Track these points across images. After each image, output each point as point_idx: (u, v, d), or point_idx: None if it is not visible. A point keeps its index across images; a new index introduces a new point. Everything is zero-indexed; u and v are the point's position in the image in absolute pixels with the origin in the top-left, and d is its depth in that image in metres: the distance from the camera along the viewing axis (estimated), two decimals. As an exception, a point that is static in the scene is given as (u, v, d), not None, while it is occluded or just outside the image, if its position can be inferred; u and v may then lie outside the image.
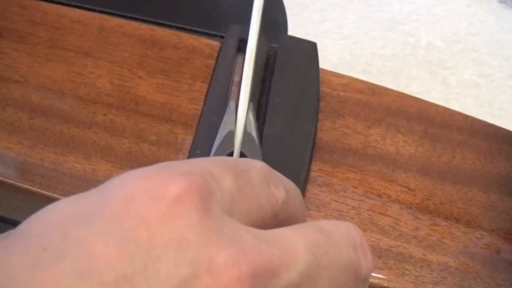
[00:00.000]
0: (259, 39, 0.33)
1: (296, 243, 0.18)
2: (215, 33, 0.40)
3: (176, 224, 0.17)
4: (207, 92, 0.37)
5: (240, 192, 0.19)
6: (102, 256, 0.16)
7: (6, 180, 0.34)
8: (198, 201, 0.17)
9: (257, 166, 0.20)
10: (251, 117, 0.31)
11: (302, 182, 0.33)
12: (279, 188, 0.21)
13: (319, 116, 0.36)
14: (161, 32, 0.39)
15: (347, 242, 0.20)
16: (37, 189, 0.33)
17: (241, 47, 0.38)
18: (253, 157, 0.30)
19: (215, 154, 0.30)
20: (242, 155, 0.30)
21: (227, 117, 0.31)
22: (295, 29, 0.47)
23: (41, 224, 0.18)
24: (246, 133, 0.31)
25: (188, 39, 0.39)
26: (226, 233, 0.17)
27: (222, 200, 0.18)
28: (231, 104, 0.32)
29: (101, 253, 0.16)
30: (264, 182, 0.20)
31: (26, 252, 0.17)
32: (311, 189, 0.34)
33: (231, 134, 0.30)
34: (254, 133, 0.31)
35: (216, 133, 0.34)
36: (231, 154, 0.30)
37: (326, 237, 0.19)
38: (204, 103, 0.36)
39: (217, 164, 0.19)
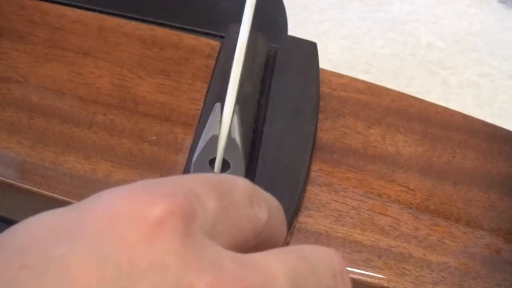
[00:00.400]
0: (250, 39, 0.32)
1: (276, 269, 0.18)
2: (215, 33, 0.40)
3: (157, 247, 0.17)
4: (207, 92, 0.37)
5: (223, 213, 0.19)
6: (81, 277, 0.16)
7: (6, 180, 0.34)
8: (180, 225, 0.17)
9: (241, 185, 0.20)
10: (236, 121, 0.30)
11: (302, 182, 0.33)
12: (262, 207, 0.21)
13: (319, 116, 0.36)
14: (161, 32, 0.39)
15: (327, 270, 0.20)
16: (37, 189, 0.33)
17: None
18: (236, 163, 0.30)
19: (197, 159, 0.30)
20: (224, 161, 0.30)
21: (212, 120, 0.30)
22: (295, 29, 0.47)
23: (20, 237, 0.17)
24: (230, 139, 0.30)
25: (188, 39, 0.39)
26: (206, 258, 0.17)
27: (204, 222, 0.18)
28: (217, 106, 0.31)
29: (80, 274, 0.16)
30: (247, 202, 0.20)
31: (4, 267, 0.16)
32: (311, 189, 0.34)
33: (214, 139, 0.29)
34: (238, 138, 0.30)
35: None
36: (213, 160, 0.30)
37: (307, 264, 0.19)
38: (204, 103, 0.36)
39: (202, 183, 0.19)
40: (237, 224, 0.19)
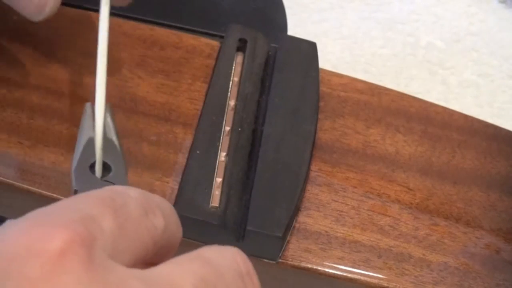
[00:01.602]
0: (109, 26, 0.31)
1: (184, 281, 0.18)
2: (215, 33, 0.40)
3: (62, 279, 0.17)
4: (207, 92, 0.37)
5: (121, 231, 0.19)
6: None
7: (6, 180, 0.34)
8: (81, 252, 0.17)
9: (133, 196, 0.20)
10: (110, 120, 0.29)
11: (302, 182, 0.33)
12: (157, 215, 0.21)
13: (319, 116, 0.36)
14: (161, 32, 0.39)
15: (234, 273, 0.20)
16: (36, 189, 0.33)
17: (241, 47, 0.38)
18: (116, 164, 0.28)
19: (77, 167, 0.28)
20: (105, 164, 0.28)
21: (84, 122, 0.29)
22: (295, 29, 0.47)
23: None
24: (106, 139, 0.28)
25: (188, 39, 0.39)
26: (112, 282, 0.17)
27: (105, 245, 0.18)
28: (87, 106, 0.29)
29: None
30: (142, 213, 0.20)
31: None
32: (311, 189, 0.34)
33: (91, 142, 0.28)
34: (114, 138, 0.28)
35: (216, 133, 0.34)
36: (94, 164, 0.28)
37: (213, 270, 0.19)
38: (204, 103, 0.36)
39: (95, 204, 0.19)
40: (136, 238, 0.19)
